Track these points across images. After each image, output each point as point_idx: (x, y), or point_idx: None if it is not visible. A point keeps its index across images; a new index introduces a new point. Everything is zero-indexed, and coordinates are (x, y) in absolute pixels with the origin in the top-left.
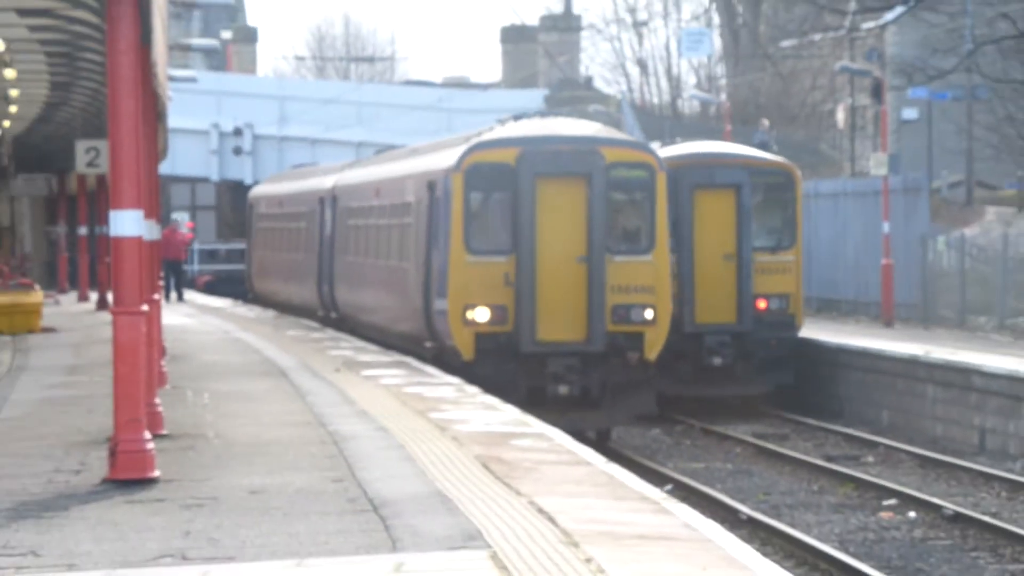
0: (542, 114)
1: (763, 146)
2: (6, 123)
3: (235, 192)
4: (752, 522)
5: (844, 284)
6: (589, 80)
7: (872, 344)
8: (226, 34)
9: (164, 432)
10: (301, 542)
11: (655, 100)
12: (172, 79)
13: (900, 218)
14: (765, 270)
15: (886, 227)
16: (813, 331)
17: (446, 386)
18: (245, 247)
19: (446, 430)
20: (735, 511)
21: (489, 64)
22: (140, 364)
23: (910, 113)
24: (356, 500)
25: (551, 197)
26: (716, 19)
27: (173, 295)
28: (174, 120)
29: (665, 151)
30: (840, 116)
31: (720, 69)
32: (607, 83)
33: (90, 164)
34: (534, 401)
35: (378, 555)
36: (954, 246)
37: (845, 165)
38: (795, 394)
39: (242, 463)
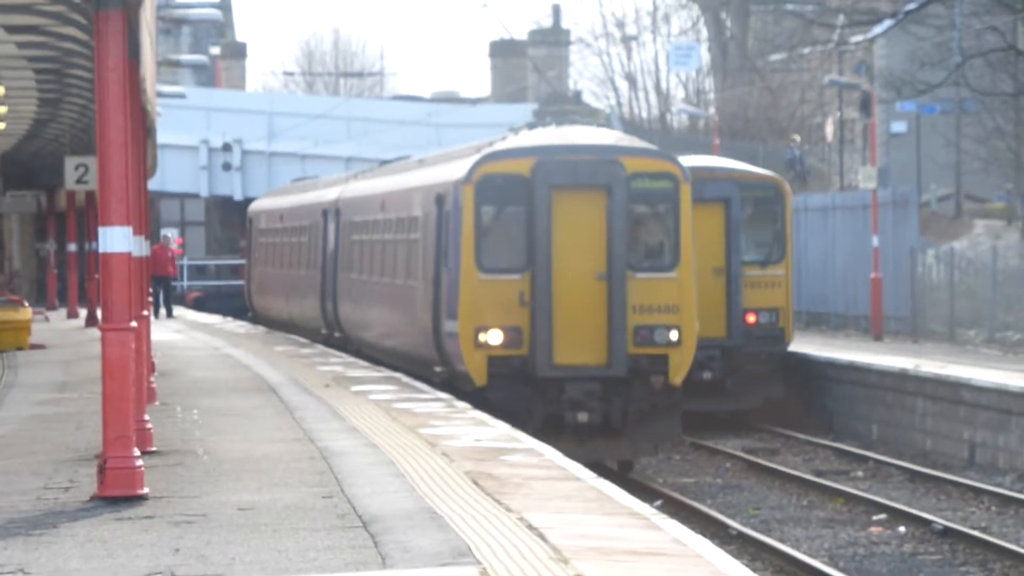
0: (557, 122)
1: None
2: None
3: (224, 208)
4: (742, 537)
5: (833, 298)
6: (578, 94)
7: (861, 358)
8: (215, 50)
9: (153, 449)
10: (290, 559)
11: (644, 114)
12: (161, 95)
13: (889, 231)
14: (754, 284)
15: (875, 240)
16: (802, 345)
17: (436, 401)
18: (244, 262)
19: (436, 446)
20: (725, 526)
21: (478, 79)
22: (129, 381)
23: (899, 126)
24: (345, 516)
25: (569, 210)
26: (704, 33)
27: (162, 311)
28: (163, 136)
29: None
30: (829, 129)
31: (709, 83)
32: (596, 97)
33: (79, 180)
34: (551, 429)
35: (367, 571)
36: (943, 259)
37: (834, 179)
38: (785, 408)
39: (231, 480)
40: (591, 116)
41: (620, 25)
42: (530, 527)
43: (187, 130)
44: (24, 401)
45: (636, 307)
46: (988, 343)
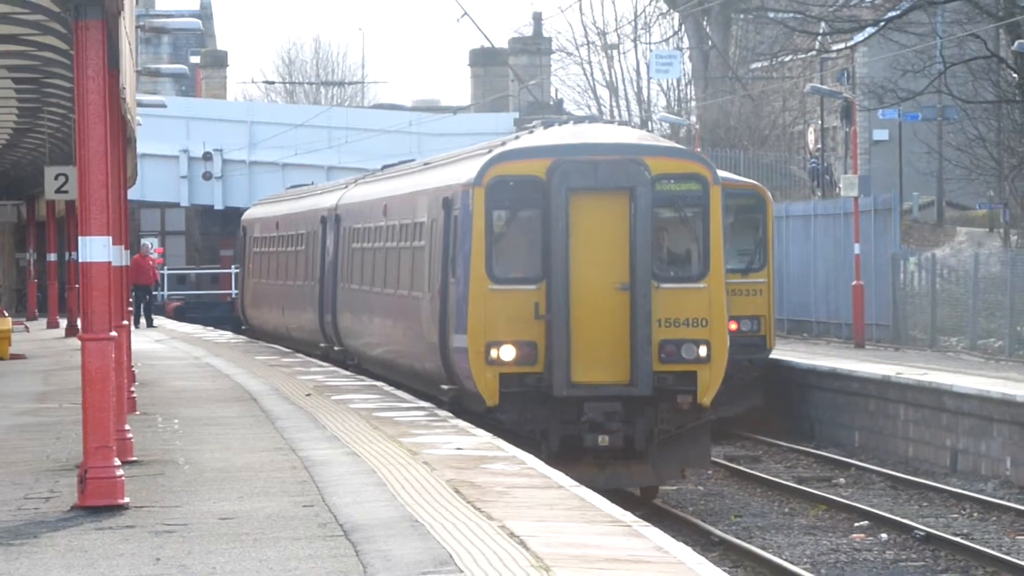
0: (575, 120)
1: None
2: None
3: (205, 217)
4: (724, 544)
5: (815, 305)
6: (559, 103)
7: (843, 365)
8: (195, 59)
9: (134, 458)
10: (272, 568)
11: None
12: (141, 104)
13: (871, 239)
14: (736, 292)
15: (857, 248)
16: (784, 353)
17: (418, 410)
18: (225, 272)
19: (417, 454)
20: (707, 533)
21: (459, 87)
22: (109, 390)
23: (880, 134)
24: (327, 525)
25: (588, 215)
26: (686, 41)
27: (142, 321)
28: (143, 145)
29: None
30: (811, 138)
31: (690, 91)
32: (577, 106)
33: (59, 190)
34: (568, 454)
35: None
36: (925, 267)
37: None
38: (767, 416)
39: (212, 489)
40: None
41: (601, 34)
42: (512, 535)
43: (167, 139)
44: (4, 411)
45: (661, 320)
46: (970, 350)
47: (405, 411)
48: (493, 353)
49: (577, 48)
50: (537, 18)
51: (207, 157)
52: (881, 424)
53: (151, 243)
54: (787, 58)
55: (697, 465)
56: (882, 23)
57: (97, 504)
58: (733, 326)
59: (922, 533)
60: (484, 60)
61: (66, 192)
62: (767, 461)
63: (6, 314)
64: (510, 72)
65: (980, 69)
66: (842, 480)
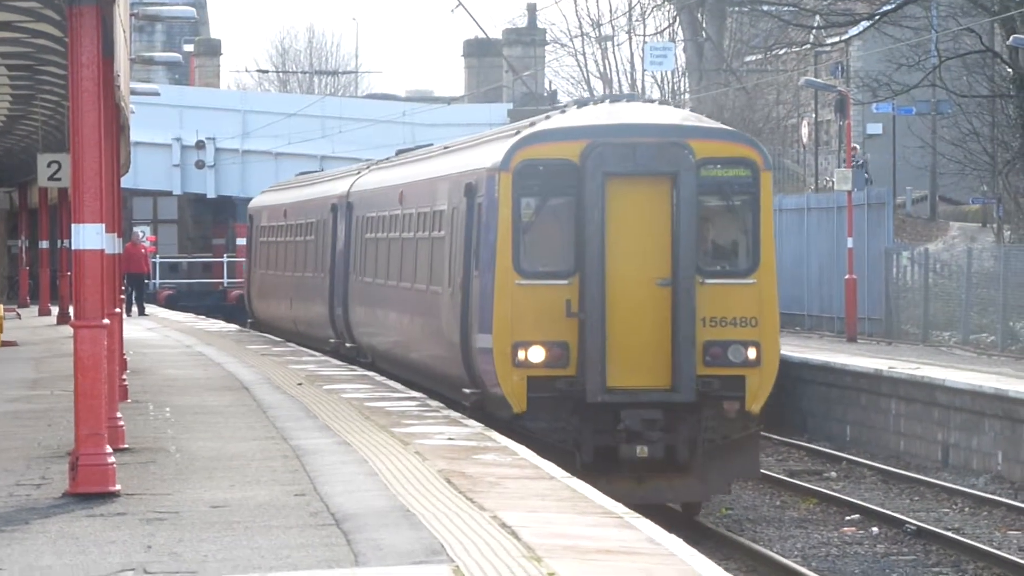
0: (612, 97)
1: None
2: None
3: (197, 205)
4: (715, 537)
5: (808, 299)
6: (553, 94)
7: (835, 359)
8: (189, 47)
9: (125, 446)
10: (263, 556)
11: None
12: (134, 92)
13: (864, 233)
14: None
15: (850, 242)
16: None
17: (409, 400)
18: (218, 260)
19: (409, 444)
20: (698, 526)
21: (453, 78)
22: (101, 378)
23: (874, 128)
24: (318, 514)
25: (626, 203)
26: (681, 33)
27: (134, 309)
28: (136, 133)
29: None
30: (804, 131)
31: (684, 83)
32: (571, 97)
33: (52, 178)
34: (603, 466)
35: (340, 569)
36: (918, 261)
37: (809, 180)
38: None
39: (204, 477)
40: None
41: (596, 25)
42: (504, 525)
43: (160, 128)
44: None
45: (706, 319)
46: (962, 345)
47: (397, 401)
48: (520, 354)
49: (571, 39)
50: (531, 9)
51: (200, 146)
52: (873, 418)
53: (143, 231)
54: (782, 51)
55: (746, 477)
56: (877, 17)
57: (88, 491)
58: None
59: (913, 527)
60: (478, 51)
61: (59, 179)
62: None
63: None
64: (504, 63)
65: (975, 63)
66: (833, 473)
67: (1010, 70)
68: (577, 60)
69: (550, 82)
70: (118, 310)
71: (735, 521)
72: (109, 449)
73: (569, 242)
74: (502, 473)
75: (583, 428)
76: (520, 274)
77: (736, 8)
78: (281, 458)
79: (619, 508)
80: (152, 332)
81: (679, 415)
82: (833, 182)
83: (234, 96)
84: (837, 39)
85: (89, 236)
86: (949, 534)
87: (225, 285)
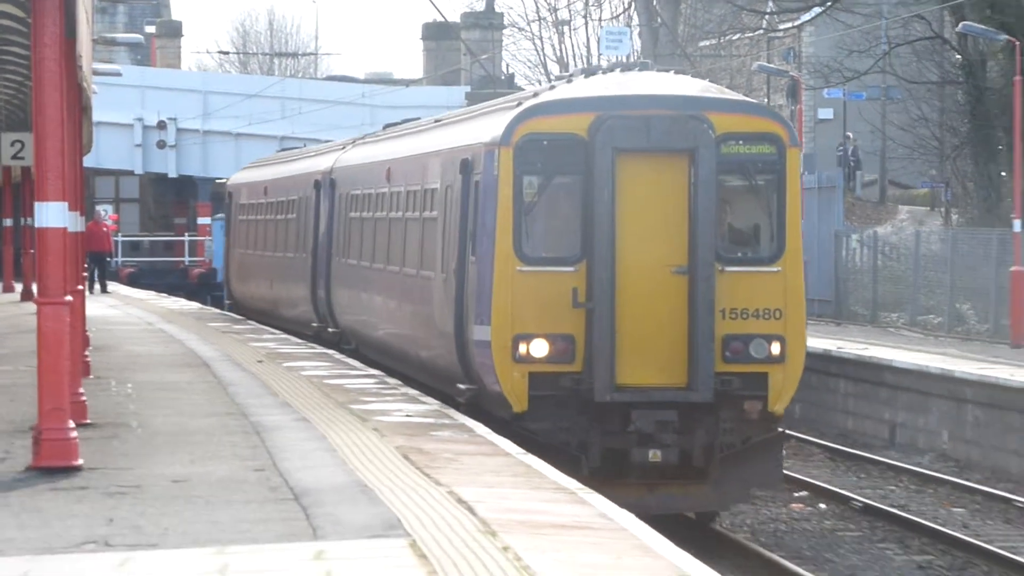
0: (623, 66)
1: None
2: None
3: (158, 185)
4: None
5: None
6: (511, 78)
7: None
8: (150, 29)
9: (88, 421)
10: (223, 530)
11: None
12: (97, 73)
13: (815, 216)
14: None
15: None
16: None
17: (368, 378)
18: (181, 239)
19: (367, 421)
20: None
21: (411, 61)
22: (64, 354)
23: (825, 113)
24: (278, 489)
25: (639, 182)
26: (636, 19)
27: (97, 286)
28: (99, 114)
29: None
30: None
31: None
32: (529, 81)
33: (15, 156)
34: (612, 471)
35: (299, 543)
36: (867, 244)
37: None
38: None
39: (165, 452)
40: None
41: (553, 10)
42: (459, 501)
43: (122, 108)
44: None
45: (726, 311)
46: (910, 326)
47: (355, 378)
48: (522, 348)
49: (528, 24)
50: None
51: (161, 126)
52: (822, 397)
53: (105, 210)
54: (735, 37)
55: (768, 486)
56: (829, 3)
57: (51, 465)
58: None
59: (860, 504)
60: (436, 34)
61: (22, 159)
62: None
63: None
64: (462, 46)
65: (924, 50)
66: (783, 452)
67: (959, 57)
68: (534, 44)
69: (507, 65)
70: (81, 287)
71: None
72: (72, 424)
73: (576, 225)
74: (458, 449)
75: (590, 430)
76: (522, 260)
77: None
78: (241, 434)
79: (572, 484)
80: (114, 309)
81: (695, 416)
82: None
83: (195, 77)
84: (789, 25)
85: (52, 214)
86: (894, 511)
87: (187, 263)
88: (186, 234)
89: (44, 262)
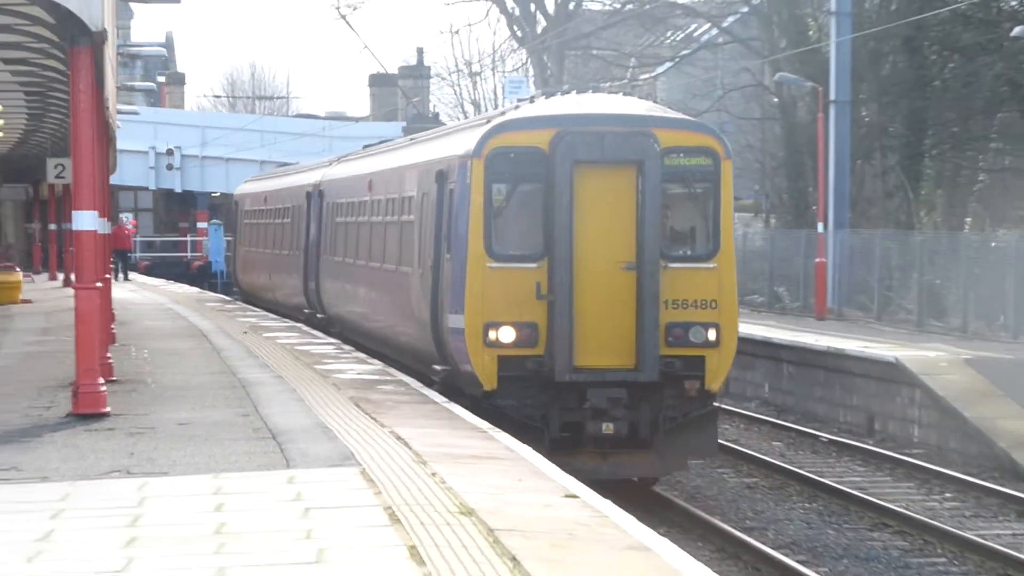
0: (578, 88)
1: None
2: None
3: (167, 198)
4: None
5: None
6: (436, 115)
7: None
8: (161, 78)
9: (114, 378)
10: (218, 461)
11: None
12: (120, 112)
13: None
14: None
15: None
16: None
17: (328, 345)
18: (185, 240)
19: (328, 378)
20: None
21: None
22: (95, 327)
23: None
24: (259, 430)
25: (593, 189)
26: (531, 70)
27: (120, 276)
28: (121, 143)
29: None
30: None
31: None
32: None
33: (58, 176)
34: (570, 441)
35: (276, 471)
36: None
37: None
38: None
39: (173, 402)
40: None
41: (468, 63)
42: (398, 438)
43: (139, 139)
44: (16, 342)
45: (669, 302)
46: (741, 305)
47: (319, 346)
48: (491, 335)
49: (449, 74)
50: (420, 51)
51: (169, 153)
52: None
53: (127, 217)
54: (606, 85)
55: (704, 455)
56: (677, 59)
57: (86, 412)
58: None
59: None
60: (380, 82)
61: (63, 177)
62: None
63: (18, 269)
64: (399, 91)
65: (750, 94)
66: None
67: (776, 99)
68: (454, 90)
69: (434, 106)
70: (108, 276)
71: None
72: (102, 381)
73: (538, 227)
74: (398, 399)
75: (551, 405)
76: (491, 257)
77: (572, 52)
78: (231, 388)
79: (484, 424)
80: (134, 293)
81: (642, 394)
82: None
83: (195, 115)
84: (648, 75)
85: (85, 220)
86: (729, 444)
87: (189, 258)
88: (188, 235)
89: (79, 257)
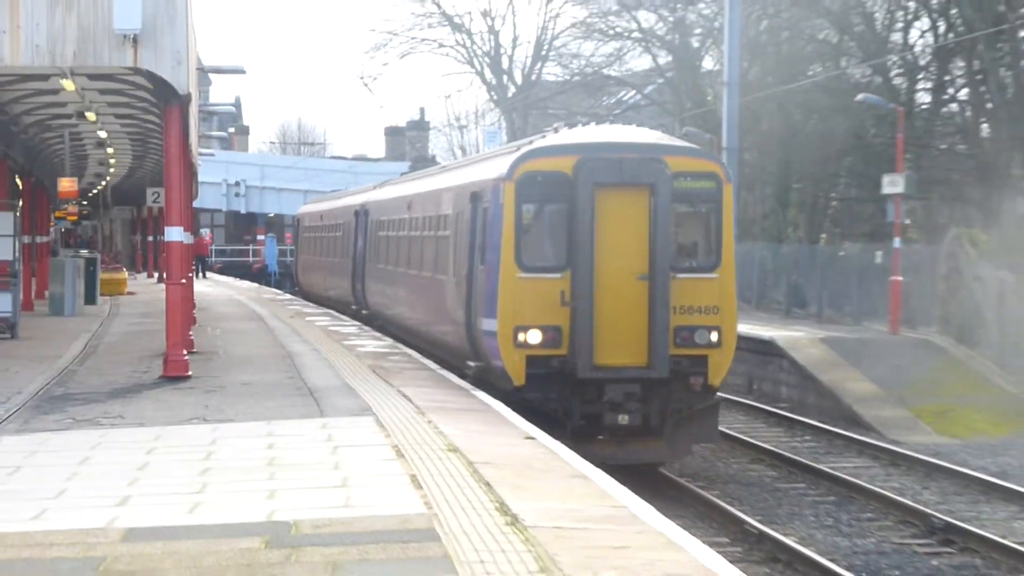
0: (597, 120)
1: None
2: (108, 178)
3: (235, 217)
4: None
5: None
6: (433, 157)
7: None
8: (231, 129)
9: (195, 350)
10: (270, 411)
11: None
12: (200, 154)
13: None
14: None
15: None
16: None
17: (352, 327)
18: (249, 248)
19: (352, 351)
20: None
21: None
22: (180, 312)
23: None
24: (300, 388)
25: (611, 209)
26: (504, 124)
27: (200, 275)
28: (201, 177)
29: None
30: None
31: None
32: (444, 160)
33: (154, 201)
34: (589, 431)
35: (313, 419)
36: None
37: None
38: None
39: (238, 368)
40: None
41: (457, 119)
42: (403, 395)
43: (215, 174)
44: (123, 323)
45: (677, 308)
46: None
47: (345, 327)
48: (521, 337)
49: (443, 127)
50: (422, 110)
51: (237, 184)
52: None
53: (205, 231)
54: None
55: (707, 441)
56: (611, 117)
57: (173, 375)
58: None
59: None
60: (392, 132)
61: (158, 202)
62: None
63: (124, 269)
64: (406, 139)
65: None
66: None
67: None
68: (447, 138)
69: (432, 149)
70: (190, 275)
71: None
72: (185, 352)
73: (562, 241)
74: (402, 366)
75: (573, 399)
76: (521, 268)
77: (534, 110)
78: (280, 358)
79: (465, 385)
80: (210, 288)
81: (654, 389)
82: None
83: (255, 156)
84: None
85: (174, 233)
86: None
87: (251, 261)
88: (250, 245)
89: (169, 260)
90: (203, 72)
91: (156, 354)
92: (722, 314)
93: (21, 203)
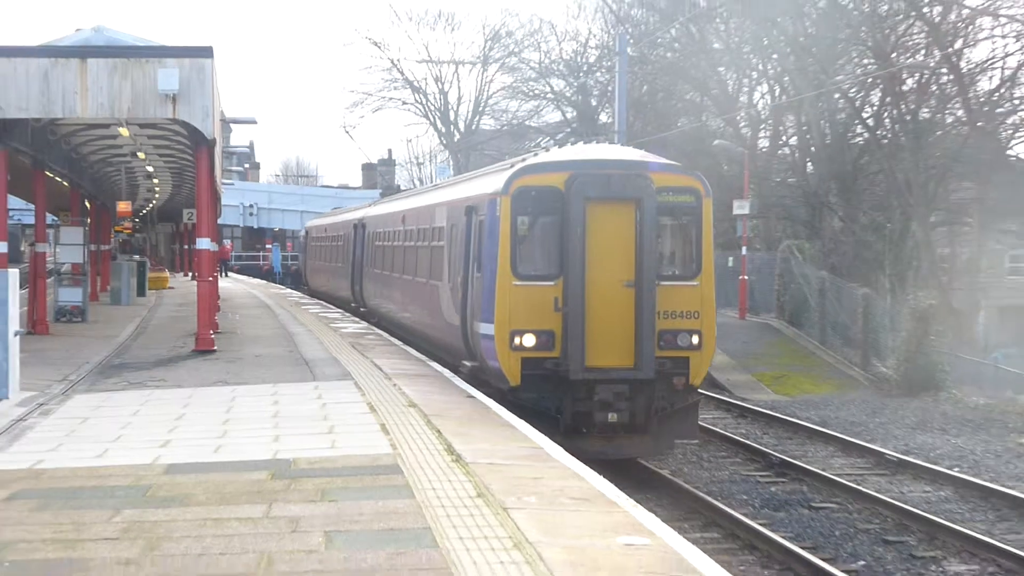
0: (585, 140)
1: None
2: (154, 201)
3: (249, 231)
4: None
5: None
6: (398, 187)
7: None
8: (246, 165)
9: (220, 331)
10: (276, 376)
11: None
12: (223, 183)
13: None
14: None
15: None
16: None
17: (337, 312)
18: (262, 254)
19: (337, 331)
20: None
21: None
22: (208, 302)
23: None
24: (298, 360)
25: (600, 221)
26: (451, 162)
27: (224, 274)
28: (224, 201)
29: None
30: None
31: None
32: (407, 187)
33: (189, 219)
34: (580, 428)
35: (307, 382)
36: None
37: None
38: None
39: (251, 344)
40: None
41: (416, 157)
42: (375, 365)
43: (234, 198)
44: (165, 310)
45: (661, 313)
46: None
47: (332, 313)
48: (516, 340)
49: (406, 163)
50: (389, 151)
51: (251, 206)
52: None
53: (228, 241)
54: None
55: (688, 437)
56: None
57: (202, 349)
58: None
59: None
60: (367, 167)
61: (193, 220)
62: None
63: (166, 270)
64: (378, 172)
65: None
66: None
67: None
68: (409, 172)
69: (398, 181)
70: (216, 274)
71: None
72: (212, 332)
73: (555, 251)
74: (376, 343)
75: (565, 399)
76: (516, 276)
77: (474, 152)
78: (283, 337)
79: (422, 357)
80: (231, 284)
81: (640, 388)
82: None
83: (264, 186)
84: None
85: (204, 243)
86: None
87: (261, 264)
88: (261, 252)
89: (199, 263)
90: (225, 122)
91: (190, 333)
92: (702, 319)
93: (89, 220)
